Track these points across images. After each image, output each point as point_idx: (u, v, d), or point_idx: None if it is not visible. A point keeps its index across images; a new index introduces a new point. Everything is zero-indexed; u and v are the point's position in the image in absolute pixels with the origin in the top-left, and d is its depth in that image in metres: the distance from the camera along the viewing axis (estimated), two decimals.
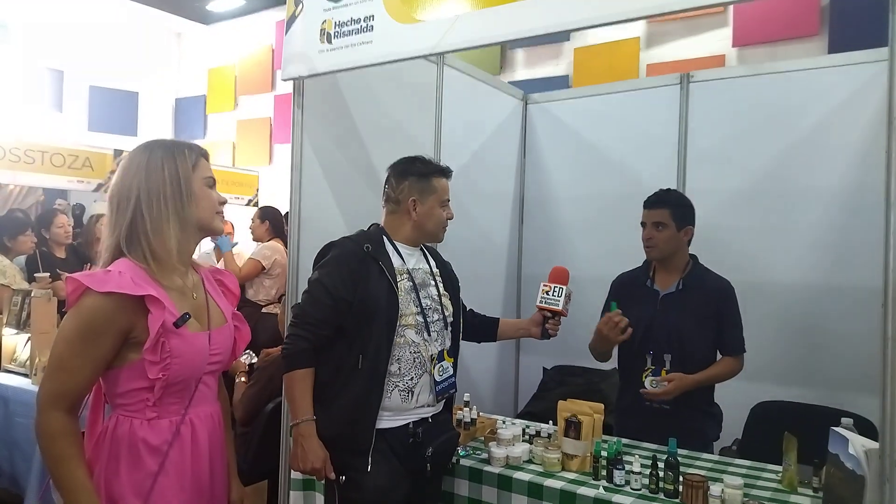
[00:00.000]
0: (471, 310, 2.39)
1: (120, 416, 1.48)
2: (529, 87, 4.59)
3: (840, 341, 3.20)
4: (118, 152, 6.78)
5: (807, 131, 3.41)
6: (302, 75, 2.49)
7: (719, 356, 2.55)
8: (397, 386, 1.93)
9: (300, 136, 2.64)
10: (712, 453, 2.50)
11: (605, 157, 4.03)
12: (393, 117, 3.25)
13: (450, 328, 2.10)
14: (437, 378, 1.99)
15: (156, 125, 8.65)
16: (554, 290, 2.24)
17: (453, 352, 2.11)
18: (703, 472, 2.03)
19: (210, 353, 1.55)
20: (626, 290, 2.69)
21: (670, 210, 2.52)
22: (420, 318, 1.98)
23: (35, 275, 3.85)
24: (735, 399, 2.74)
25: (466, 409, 2.45)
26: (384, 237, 2.06)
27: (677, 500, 1.86)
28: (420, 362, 1.97)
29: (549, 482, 1.97)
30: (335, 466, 1.86)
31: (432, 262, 2.16)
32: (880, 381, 1.54)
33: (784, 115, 3.46)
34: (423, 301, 2.01)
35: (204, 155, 1.58)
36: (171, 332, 1.45)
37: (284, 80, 2.55)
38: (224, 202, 1.62)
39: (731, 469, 2.16)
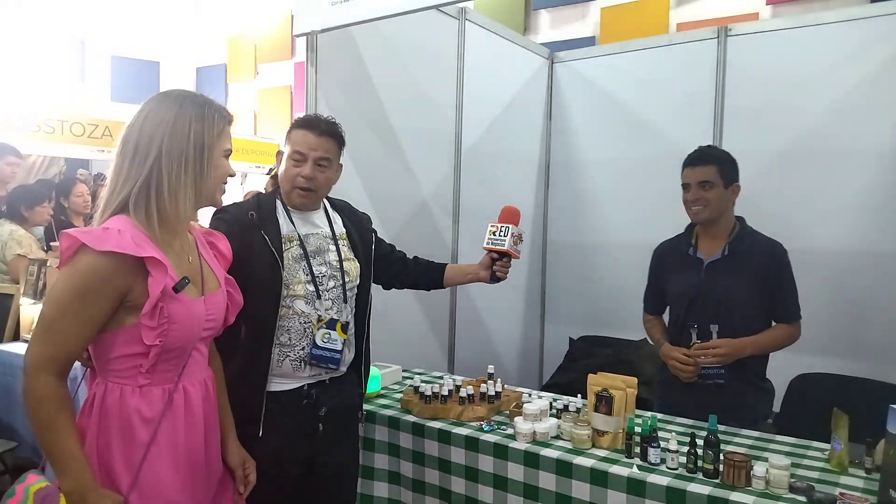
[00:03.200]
0: (415, 257, 2.30)
1: (109, 384, 1.40)
2: (555, 49, 4.42)
3: (887, 311, 3.06)
4: None
5: (852, 87, 3.22)
6: (315, 30, 2.35)
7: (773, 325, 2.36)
8: (288, 356, 1.86)
9: (314, 96, 2.52)
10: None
11: (636, 118, 3.87)
12: (413, 77, 3.11)
13: (349, 298, 1.97)
14: (319, 343, 1.87)
15: None
16: (500, 231, 2.10)
17: (356, 322, 2.01)
18: (743, 450, 1.91)
19: (205, 318, 1.48)
20: (669, 260, 2.51)
21: (717, 166, 2.29)
22: (311, 287, 1.88)
23: (51, 244, 3.81)
24: (773, 371, 2.58)
25: (491, 381, 2.34)
26: (278, 201, 1.94)
27: (717, 481, 1.73)
28: (311, 332, 1.88)
29: (578, 460, 1.86)
30: None
31: (337, 224, 2.03)
32: None
33: (828, 71, 3.27)
34: (315, 269, 1.89)
35: (230, 122, 1.52)
36: (170, 297, 1.38)
37: (296, 35, 2.42)
38: (233, 175, 1.55)
39: (772, 446, 2.03)
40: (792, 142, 3.32)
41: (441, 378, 2.61)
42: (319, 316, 1.88)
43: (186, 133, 1.41)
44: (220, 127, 1.47)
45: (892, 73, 3.10)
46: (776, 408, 2.73)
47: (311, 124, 1.89)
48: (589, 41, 5.64)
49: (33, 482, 1.41)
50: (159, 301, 1.36)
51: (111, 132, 6.64)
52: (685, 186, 2.36)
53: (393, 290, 2.32)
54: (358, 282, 2.02)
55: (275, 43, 8.16)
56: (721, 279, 2.31)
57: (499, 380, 2.37)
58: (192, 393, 1.48)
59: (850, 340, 3.13)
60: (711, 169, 2.29)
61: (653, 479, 1.75)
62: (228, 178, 1.54)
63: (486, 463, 2.02)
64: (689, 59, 3.64)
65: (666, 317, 2.59)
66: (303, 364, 1.88)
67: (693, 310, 2.35)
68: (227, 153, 1.50)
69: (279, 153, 1.95)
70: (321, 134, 1.89)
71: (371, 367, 2.18)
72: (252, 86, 8.45)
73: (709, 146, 2.42)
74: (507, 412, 2.25)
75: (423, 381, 2.36)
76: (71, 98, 7.59)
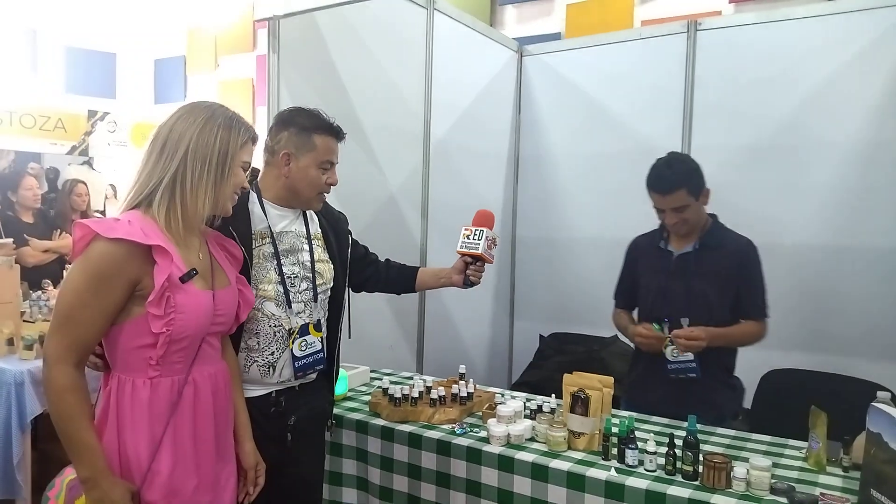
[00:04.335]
0: (387, 260, 2.25)
1: (121, 377, 1.44)
2: (521, 44, 4.36)
3: (856, 305, 3.07)
4: (92, 113, 6.50)
5: (821, 83, 3.22)
6: (277, 15, 2.24)
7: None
8: (256, 361, 1.78)
9: (276, 86, 2.41)
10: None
11: (606, 112, 3.83)
12: (380, 67, 3.02)
13: (320, 300, 1.90)
14: (298, 354, 1.82)
15: (135, 87, 8.33)
16: (474, 234, 2.06)
17: (328, 325, 1.95)
18: (719, 450, 1.87)
19: (214, 312, 1.51)
20: (641, 252, 2.50)
21: (686, 188, 2.22)
22: (280, 289, 1.80)
23: None
24: (743, 367, 2.56)
25: (462, 381, 2.27)
26: (253, 194, 1.85)
27: (697, 483, 1.69)
28: (282, 336, 1.80)
29: (554, 463, 1.80)
30: None
31: (313, 223, 1.95)
32: None
33: (797, 66, 3.27)
34: (286, 269, 1.82)
35: (253, 140, 1.59)
36: (176, 287, 1.42)
37: (257, 21, 2.31)
38: (246, 188, 1.61)
39: (749, 445, 2.00)
40: (760, 136, 3.32)
41: (410, 379, 2.53)
42: (290, 329, 1.80)
43: (213, 137, 1.48)
44: (244, 138, 1.54)
45: (858, 68, 3.11)
46: (747, 404, 2.72)
47: (335, 131, 1.87)
48: (555, 37, 5.60)
49: (69, 475, 1.46)
50: (166, 290, 1.40)
51: (64, 124, 6.41)
52: (659, 210, 2.30)
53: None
54: (331, 284, 1.95)
55: (236, 35, 7.92)
56: (690, 271, 2.31)
57: (471, 380, 2.30)
58: (202, 385, 1.51)
59: (817, 335, 3.14)
60: (681, 193, 2.22)
61: (631, 482, 1.69)
62: (240, 190, 1.58)
63: (458, 468, 1.95)
64: (659, 53, 3.62)
65: (636, 314, 2.55)
66: (271, 370, 1.78)
67: (663, 302, 2.34)
68: (246, 166, 1.56)
69: (287, 154, 1.81)
70: (340, 139, 1.88)
71: None
72: (212, 78, 8.24)
73: (668, 164, 2.29)
74: (480, 414, 2.18)
75: (391, 383, 2.28)
76: (21, 89, 7.28)
